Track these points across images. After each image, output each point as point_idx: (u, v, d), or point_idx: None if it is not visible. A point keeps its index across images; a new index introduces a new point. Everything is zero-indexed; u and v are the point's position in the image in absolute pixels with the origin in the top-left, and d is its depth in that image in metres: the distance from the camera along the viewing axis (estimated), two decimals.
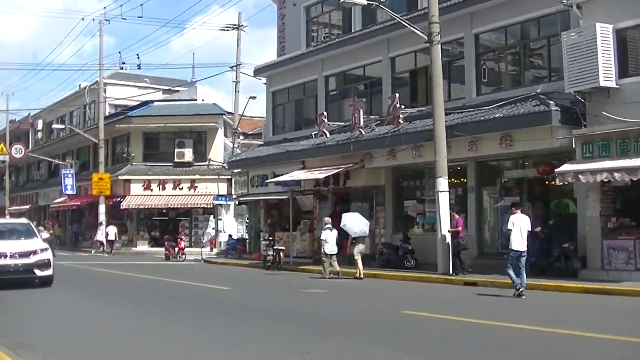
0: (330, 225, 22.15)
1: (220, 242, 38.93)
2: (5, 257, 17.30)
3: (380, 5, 21.96)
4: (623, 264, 17.13)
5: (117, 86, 49.89)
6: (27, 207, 58.13)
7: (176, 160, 41.95)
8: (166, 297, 16.96)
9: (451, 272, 19.67)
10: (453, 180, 21.58)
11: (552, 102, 18.50)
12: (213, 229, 41.13)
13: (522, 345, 9.92)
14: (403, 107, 23.46)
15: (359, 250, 21.24)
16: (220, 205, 39.21)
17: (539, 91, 19.77)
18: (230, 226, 40.49)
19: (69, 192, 45.69)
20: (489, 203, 22.41)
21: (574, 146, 18.11)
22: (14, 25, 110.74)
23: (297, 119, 31.72)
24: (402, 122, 23.25)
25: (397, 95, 23.80)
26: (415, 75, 25.43)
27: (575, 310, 13.96)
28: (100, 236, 40.93)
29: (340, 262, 22.11)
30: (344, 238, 22.30)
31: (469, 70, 22.54)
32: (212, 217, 41.40)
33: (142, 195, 41.78)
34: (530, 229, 15.73)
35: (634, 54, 17.37)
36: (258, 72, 33.35)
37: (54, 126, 52.83)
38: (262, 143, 34.33)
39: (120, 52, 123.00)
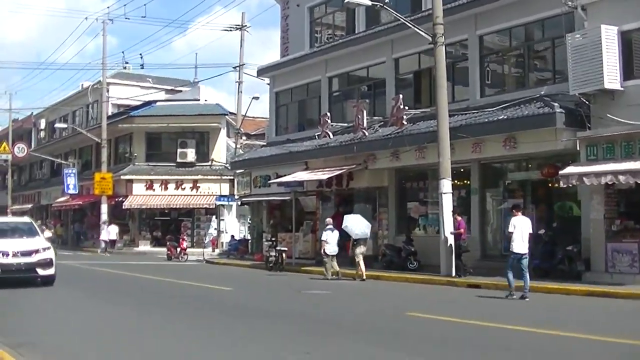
0: (331, 226, 22.10)
1: (222, 243, 38.90)
2: (7, 255, 17.26)
3: (384, 6, 21.90)
4: (627, 266, 17.06)
5: (120, 86, 49.91)
6: (29, 206, 58.19)
7: (178, 160, 41.94)
8: (167, 297, 16.92)
9: (454, 274, 19.61)
10: (456, 181, 21.52)
11: (556, 104, 18.43)
12: (215, 229, 41.11)
13: (523, 345, 9.91)
14: (406, 108, 23.42)
15: (360, 251, 21.18)
16: (222, 205, 39.18)
17: (542, 93, 19.70)
18: (232, 226, 40.47)
19: (71, 191, 45.70)
20: (492, 205, 22.34)
21: (578, 148, 18.03)
22: (17, 24, 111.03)
23: (300, 120, 31.68)
24: (405, 123, 23.21)
25: (401, 96, 23.75)
26: (419, 76, 25.36)
27: (577, 312, 13.90)
28: (104, 235, 40.94)
29: (342, 263, 22.06)
30: (345, 239, 22.24)
31: (472, 72, 22.47)
32: (214, 217, 41.39)
33: (144, 195, 41.77)
34: (531, 231, 15.68)
35: (639, 56, 17.30)
36: (261, 72, 33.33)
37: (57, 125, 52.88)
38: (265, 143, 34.28)
39: (123, 52, 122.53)
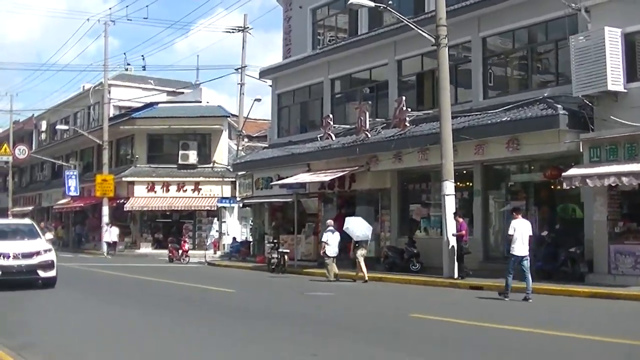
0: (332, 228, 22.07)
1: (224, 245, 38.85)
2: (8, 257, 17.15)
3: (387, 8, 21.87)
4: (630, 268, 17.01)
5: (122, 87, 49.90)
6: (30, 208, 58.12)
7: (180, 162, 41.88)
8: (168, 298, 16.88)
9: (456, 276, 19.56)
10: (459, 183, 21.44)
11: (559, 106, 18.40)
12: (217, 231, 41.04)
13: (523, 346, 9.91)
14: (409, 109, 23.40)
15: (361, 253, 21.12)
16: (224, 207, 39.15)
17: (546, 95, 19.67)
18: (234, 228, 40.44)
19: (72, 193, 45.60)
20: (494, 207, 22.29)
21: (581, 150, 17.99)
22: (18, 25, 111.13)
23: (302, 121, 31.67)
24: (408, 124, 23.18)
25: (404, 98, 23.74)
26: (422, 78, 25.34)
27: (579, 313, 13.86)
28: (107, 237, 40.90)
29: (344, 265, 22.01)
30: (347, 241, 22.20)
31: (475, 73, 22.44)
32: (215, 219, 41.31)
33: (145, 197, 41.72)
34: (531, 234, 15.70)
35: None
36: (263, 74, 33.32)
37: (58, 127, 52.88)
38: (267, 145, 34.26)
39: (124, 53, 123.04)
